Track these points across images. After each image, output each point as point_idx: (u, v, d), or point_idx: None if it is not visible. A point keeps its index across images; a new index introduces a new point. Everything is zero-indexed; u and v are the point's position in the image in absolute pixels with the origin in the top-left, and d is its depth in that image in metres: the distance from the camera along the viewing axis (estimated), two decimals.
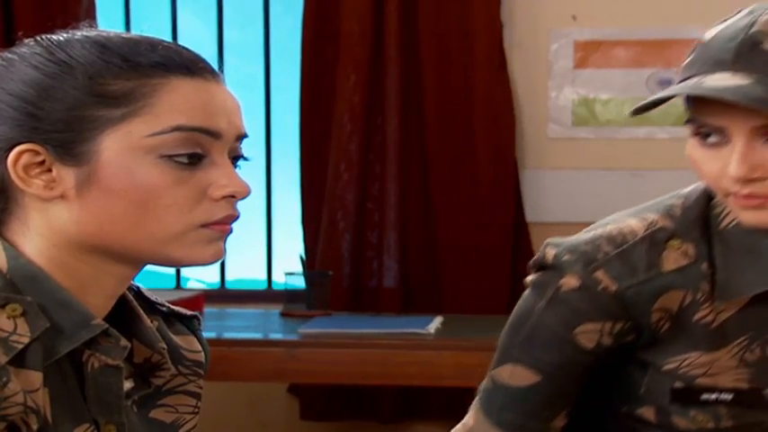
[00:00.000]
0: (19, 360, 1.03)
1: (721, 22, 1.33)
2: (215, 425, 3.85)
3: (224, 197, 1.10)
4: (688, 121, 1.33)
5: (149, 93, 1.08)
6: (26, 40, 1.13)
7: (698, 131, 1.33)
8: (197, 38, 4.02)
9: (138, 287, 1.23)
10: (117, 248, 1.09)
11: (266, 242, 4.00)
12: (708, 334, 1.40)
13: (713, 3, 3.53)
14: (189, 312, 1.27)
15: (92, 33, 1.12)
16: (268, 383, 3.84)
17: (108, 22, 3.89)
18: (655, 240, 1.40)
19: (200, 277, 4.12)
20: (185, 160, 1.08)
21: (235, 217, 1.12)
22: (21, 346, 1.03)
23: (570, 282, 1.40)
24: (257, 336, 3.27)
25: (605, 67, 3.75)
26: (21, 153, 1.07)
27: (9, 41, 1.18)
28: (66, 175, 1.08)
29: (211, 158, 1.10)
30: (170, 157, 1.08)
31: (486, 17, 3.70)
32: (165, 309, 1.24)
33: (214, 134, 1.10)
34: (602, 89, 3.76)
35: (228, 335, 3.20)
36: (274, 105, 3.97)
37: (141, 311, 1.19)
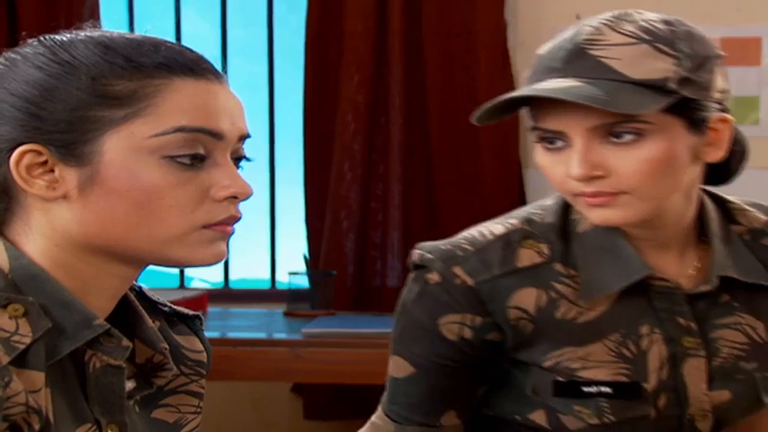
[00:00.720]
0: (21, 360, 1.03)
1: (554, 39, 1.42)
2: (218, 424, 3.85)
3: (226, 198, 1.10)
4: (532, 129, 1.41)
5: (152, 93, 1.08)
6: (29, 41, 1.13)
7: (541, 138, 1.40)
8: (200, 38, 4.02)
9: (140, 287, 1.23)
10: (119, 249, 1.10)
11: (270, 242, 4.00)
12: (576, 329, 1.46)
13: (714, 2, 3.54)
14: (191, 312, 1.27)
15: (95, 34, 1.12)
16: (271, 383, 3.84)
17: (111, 22, 3.89)
18: (510, 240, 1.49)
19: (204, 277, 4.12)
20: (188, 161, 1.08)
21: (237, 218, 1.12)
22: (23, 347, 1.03)
23: (433, 277, 1.48)
24: (261, 335, 3.26)
25: None
26: (23, 153, 1.07)
27: (12, 41, 1.18)
28: (69, 176, 1.08)
29: (214, 159, 1.10)
30: (172, 157, 1.08)
31: (490, 16, 3.70)
32: (167, 309, 1.24)
33: (216, 135, 1.10)
34: None
35: (232, 334, 3.20)
36: (278, 105, 3.97)
37: (143, 312, 1.19)
